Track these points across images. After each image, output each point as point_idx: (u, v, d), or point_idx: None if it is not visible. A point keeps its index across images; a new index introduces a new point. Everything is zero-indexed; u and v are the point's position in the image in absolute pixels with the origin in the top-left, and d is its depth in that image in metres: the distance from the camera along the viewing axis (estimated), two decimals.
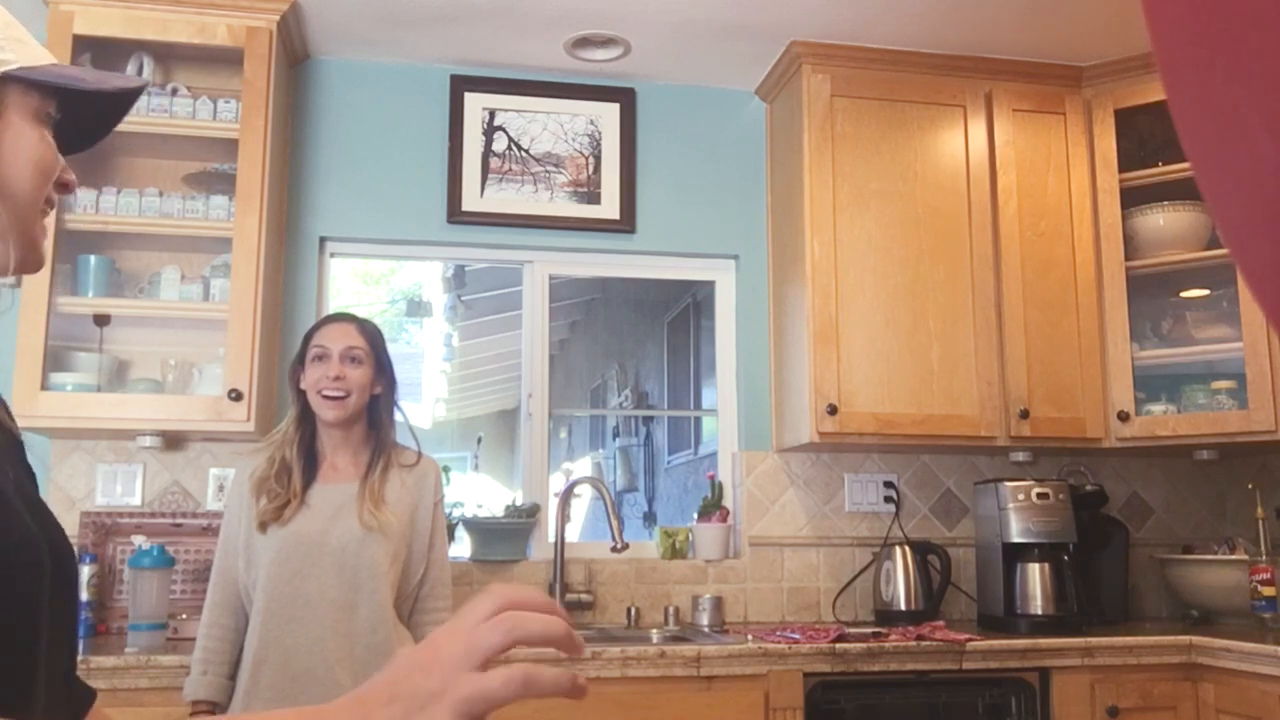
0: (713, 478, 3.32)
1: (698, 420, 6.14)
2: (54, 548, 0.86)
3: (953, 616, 3.17)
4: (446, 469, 3.19)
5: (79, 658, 1.00)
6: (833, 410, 2.93)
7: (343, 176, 3.18)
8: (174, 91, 2.90)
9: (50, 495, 2.88)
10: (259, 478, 2.18)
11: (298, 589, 2.08)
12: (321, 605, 2.08)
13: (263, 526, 2.13)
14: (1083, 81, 3.24)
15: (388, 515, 2.15)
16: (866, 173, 3.08)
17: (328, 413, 2.17)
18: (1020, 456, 3.23)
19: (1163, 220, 3.15)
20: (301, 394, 2.23)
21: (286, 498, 2.14)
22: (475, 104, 3.26)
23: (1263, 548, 3.04)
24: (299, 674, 2.04)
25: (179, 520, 2.91)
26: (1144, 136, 3.23)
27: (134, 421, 2.72)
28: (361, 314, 2.41)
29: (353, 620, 2.08)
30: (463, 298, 6.84)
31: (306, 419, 2.23)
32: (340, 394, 2.17)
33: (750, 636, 2.66)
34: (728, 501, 3.27)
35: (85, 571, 2.69)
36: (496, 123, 3.27)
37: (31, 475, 0.94)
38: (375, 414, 2.25)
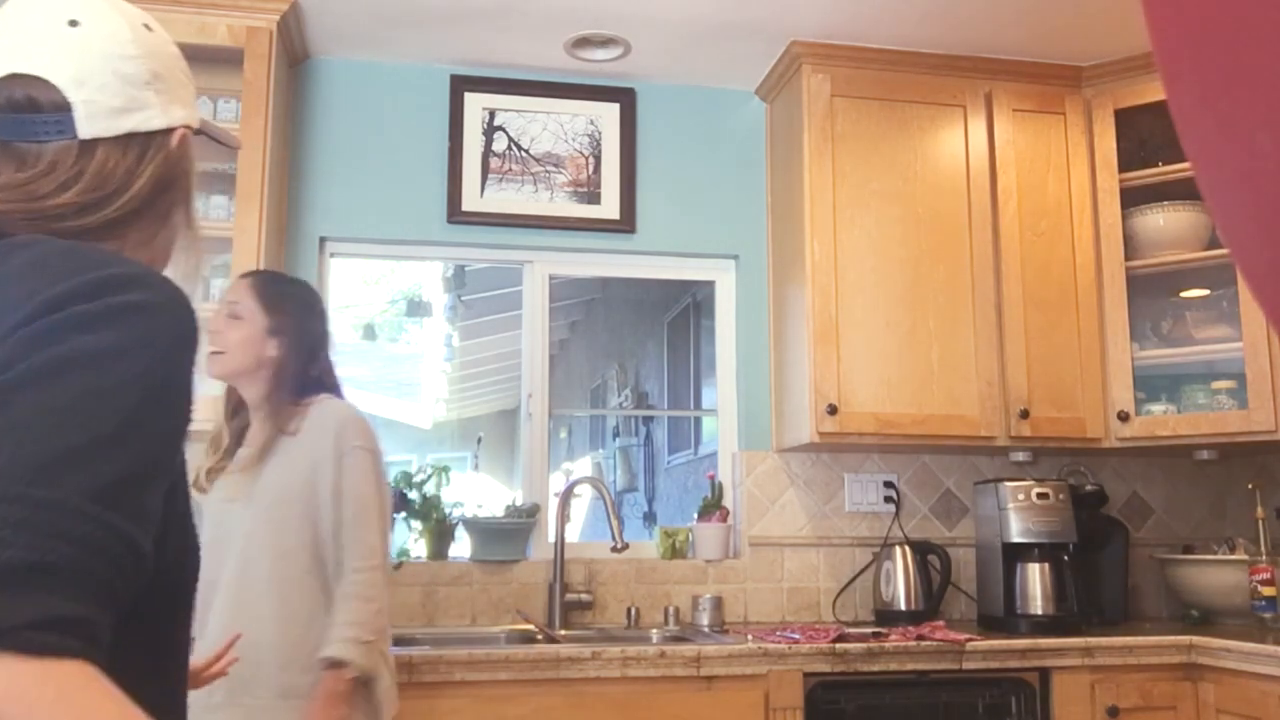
0: (713, 478, 3.32)
1: (698, 420, 6.14)
2: None
3: (953, 616, 3.17)
4: (452, 467, 3.22)
5: None
6: (833, 410, 2.93)
7: (343, 176, 3.18)
8: None
9: None
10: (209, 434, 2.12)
11: (206, 562, 2.00)
12: (219, 579, 1.95)
13: (198, 488, 2.04)
14: (1083, 81, 3.24)
15: (265, 485, 2.00)
16: (866, 173, 3.08)
17: (208, 369, 2.03)
18: (1020, 456, 3.23)
19: (1163, 220, 3.15)
20: None
21: (218, 461, 2.07)
22: (475, 104, 3.26)
23: (1263, 548, 3.04)
24: (207, 647, 1.73)
25: None
26: (1144, 136, 3.23)
27: None
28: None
29: (236, 598, 1.96)
30: (463, 298, 6.84)
31: None
32: (215, 349, 2.03)
33: (750, 636, 2.66)
34: (728, 501, 3.27)
35: None
36: (496, 123, 3.27)
37: None
38: (282, 374, 2.06)
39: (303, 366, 2.08)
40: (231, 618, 1.94)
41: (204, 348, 1.89)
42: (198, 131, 1.02)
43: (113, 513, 0.72)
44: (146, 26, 0.96)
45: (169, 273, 0.95)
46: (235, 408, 2.14)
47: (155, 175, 0.92)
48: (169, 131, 0.95)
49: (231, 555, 1.99)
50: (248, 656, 1.82)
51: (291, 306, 2.12)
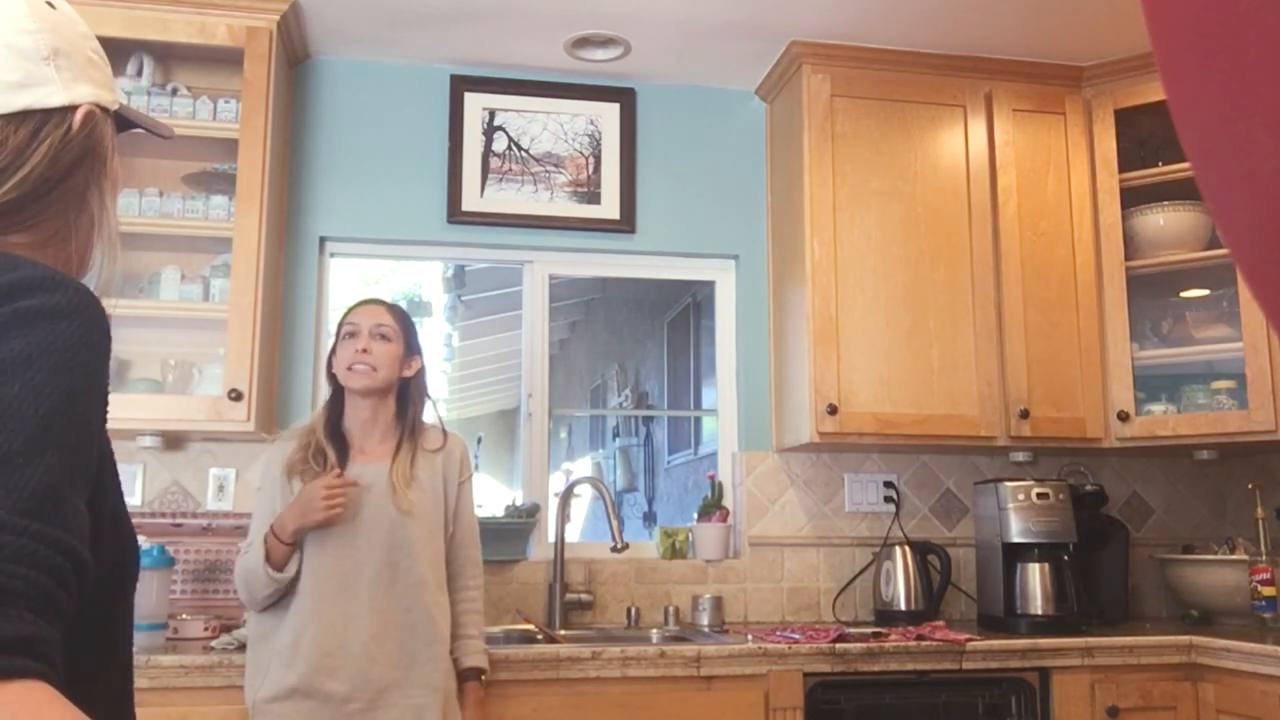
0: (713, 478, 3.32)
1: (698, 420, 6.14)
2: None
3: (953, 616, 3.17)
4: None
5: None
6: (833, 410, 2.93)
7: (343, 176, 3.18)
8: (174, 91, 2.90)
9: None
10: (292, 461, 2.22)
11: (337, 566, 2.15)
12: (359, 584, 2.15)
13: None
14: (1083, 81, 3.24)
15: (420, 495, 2.22)
16: (866, 173, 3.08)
17: (355, 382, 2.22)
18: (1020, 456, 3.23)
19: (1163, 220, 3.15)
20: (334, 378, 2.29)
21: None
22: (475, 104, 3.26)
23: (1263, 548, 3.04)
24: (334, 649, 2.11)
25: (179, 520, 2.91)
26: (1144, 136, 3.23)
27: (134, 421, 2.72)
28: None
29: (389, 597, 2.15)
30: (463, 298, 6.84)
31: (336, 403, 2.30)
32: (366, 366, 2.22)
33: (750, 636, 2.66)
34: (728, 501, 3.27)
35: None
36: (496, 123, 3.27)
37: None
38: (404, 397, 2.31)
39: (422, 386, 2.34)
40: (384, 605, 2.15)
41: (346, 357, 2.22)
42: (121, 118, 0.97)
43: (44, 524, 0.69)
44: (49, 3, 0.92)
45: (98, 264, 0.92)
46: (336, 426, 2.27)
47: (52, 154, 0.88)
48: (71, 109, 0.90)
49: (370, 552, 2.17)
50: (417, 653, 2.14)
51: (414, 330, 2.35)
